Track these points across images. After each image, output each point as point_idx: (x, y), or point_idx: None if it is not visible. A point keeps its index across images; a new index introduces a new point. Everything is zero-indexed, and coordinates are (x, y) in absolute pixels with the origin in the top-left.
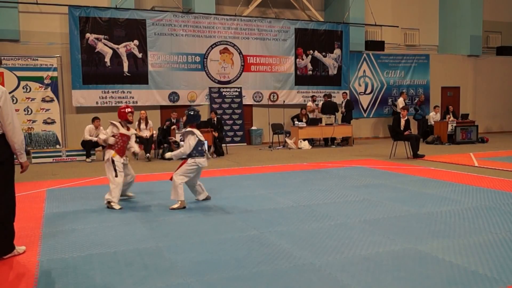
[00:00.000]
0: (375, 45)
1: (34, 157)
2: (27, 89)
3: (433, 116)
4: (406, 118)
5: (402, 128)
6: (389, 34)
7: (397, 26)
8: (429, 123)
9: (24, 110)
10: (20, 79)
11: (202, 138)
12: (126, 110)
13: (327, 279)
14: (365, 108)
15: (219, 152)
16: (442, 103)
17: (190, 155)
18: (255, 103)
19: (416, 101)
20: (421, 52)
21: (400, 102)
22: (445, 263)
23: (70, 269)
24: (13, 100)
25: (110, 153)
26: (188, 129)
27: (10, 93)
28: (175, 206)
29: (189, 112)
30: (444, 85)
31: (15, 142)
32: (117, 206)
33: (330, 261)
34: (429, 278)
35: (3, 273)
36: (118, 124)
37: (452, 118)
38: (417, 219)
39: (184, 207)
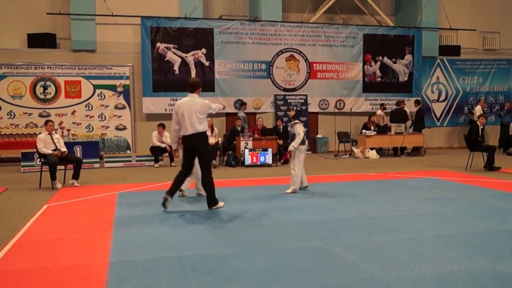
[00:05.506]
0: (450, 50)
1: (106, 162)
2: (101, 96)
3: None
4: (482, 126)
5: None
6: (466, 38)
7: (475, 30)
8: (510, 133)
9: (99, 117)
10: (95, 87)
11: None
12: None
13: None
14: (438, 116)
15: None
16: None
17: (302, 142)
18: (321, 110)
19: (507, 108)
20: (502, 56)
21: (478, 110)
22: None
23: (138, 271)
24: (89, 108)
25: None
26: (296, 120)
27: (86, 100)
28: (289, 190)
29: (297, 108)
30: None
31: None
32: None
33: (400, 276)
34: None
35: (77, 272)
36: None
37: None
38: (497, 236)
39: (295, 192)
